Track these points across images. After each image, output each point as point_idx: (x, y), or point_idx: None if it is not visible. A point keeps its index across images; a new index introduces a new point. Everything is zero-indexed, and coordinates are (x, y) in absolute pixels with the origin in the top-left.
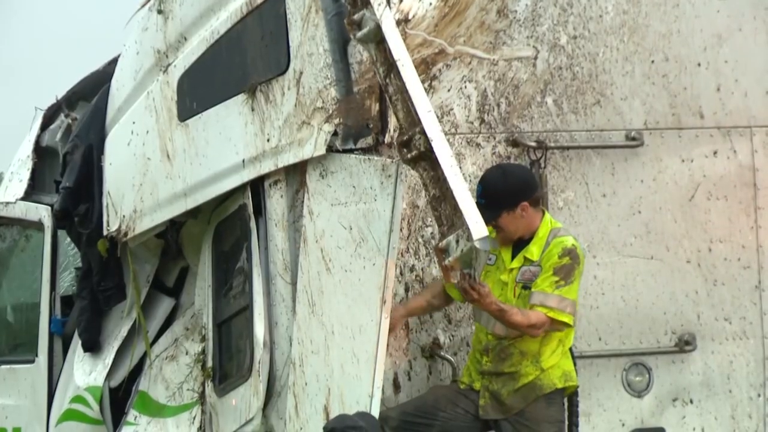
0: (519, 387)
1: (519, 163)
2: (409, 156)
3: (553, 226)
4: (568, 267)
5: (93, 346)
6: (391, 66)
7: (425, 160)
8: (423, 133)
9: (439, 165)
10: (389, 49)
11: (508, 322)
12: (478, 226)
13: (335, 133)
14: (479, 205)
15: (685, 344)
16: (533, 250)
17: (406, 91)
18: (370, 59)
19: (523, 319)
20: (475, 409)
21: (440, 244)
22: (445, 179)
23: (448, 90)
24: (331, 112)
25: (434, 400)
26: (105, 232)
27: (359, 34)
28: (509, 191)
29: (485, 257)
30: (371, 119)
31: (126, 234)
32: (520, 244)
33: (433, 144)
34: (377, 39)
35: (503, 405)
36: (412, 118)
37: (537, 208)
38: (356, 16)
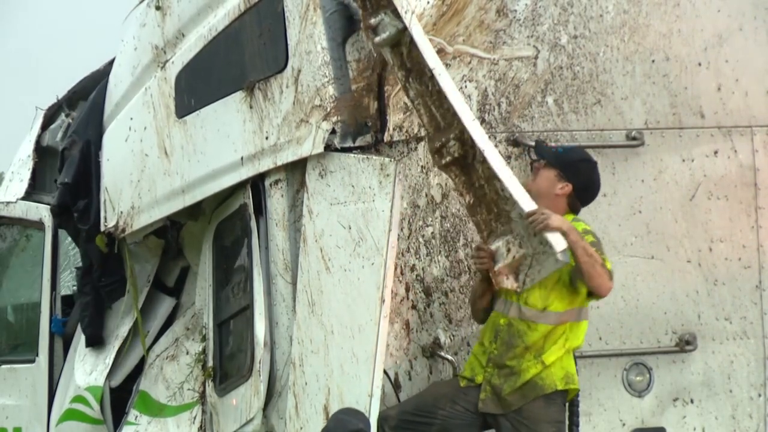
0: (520, 384)
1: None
2: (442, 162)
3: (573, 218)
4: (597, 244)
5: (97, 341)
6: (409, 71)
7: (458, 165)
8: (457, 139)
9: (497, 176)
10: (422, 56)
11: (584, 250)
12: (557, 239)
13: (333, 131)
14: (550, 147)
15: (685, 344)
16: None
17: (445, 97)
18: (389, 64)
19: (598, 255)
20: (474, 406)
21: (489, 249)
22: (482, 185)
23: None
24: (329, 110)
25: (434, 398)
26: (103, 228)
27: (377, 39)
28: (575, 167)
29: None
30: (370, 117)
31: (124, 230)
32: None
33: (486, 154)
34: (393, 43)
35: (503, 401)
36: (437, 123)
37: (570, 209)
38: (373, 21)
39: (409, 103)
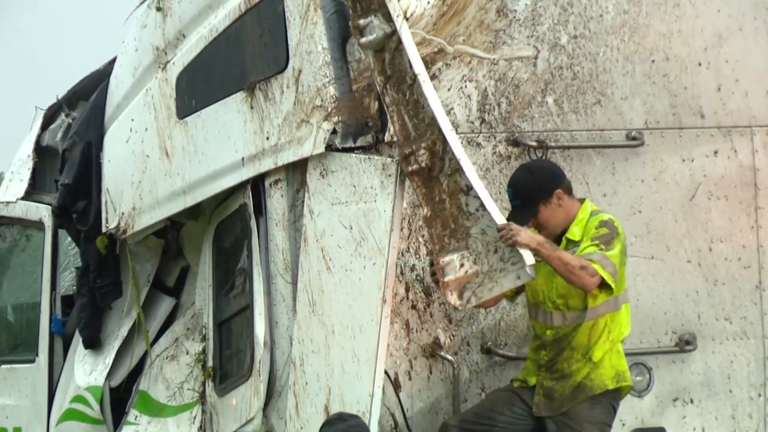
0: (572, 386)
1: (540, 158)
2: (408, 169)
3: (593, 208)
4: (606, 235)
5: (94, 343)
6: (388, 77)
7: (421, 176)
8: (428, 149)
9: (474, 191)
10: (405, 64)
11: (559, 260)
12: (527, 254)
13: (334, 132)
14: (515, 208)
15: (685, 344)
16: (574, 231)
17: (421, 107)
18: (369, 67)
19: (575, 260)
20: (530, 407)
21: (440, 261)
22: (443, 200)
23: (449, 89)
24: (330, 110)
25: (491, 404)
26: (104, 229)
27: (363, 40)
28: (539, 183)
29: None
30: (370, 117)
31: (125, 231)
32: (562, 236)
33: (462, 164)
34: (378, 48)
35: (555, 402)
36: (407, 132)
37: (572, 196)
38: (362, 22)
39: (373, 108)
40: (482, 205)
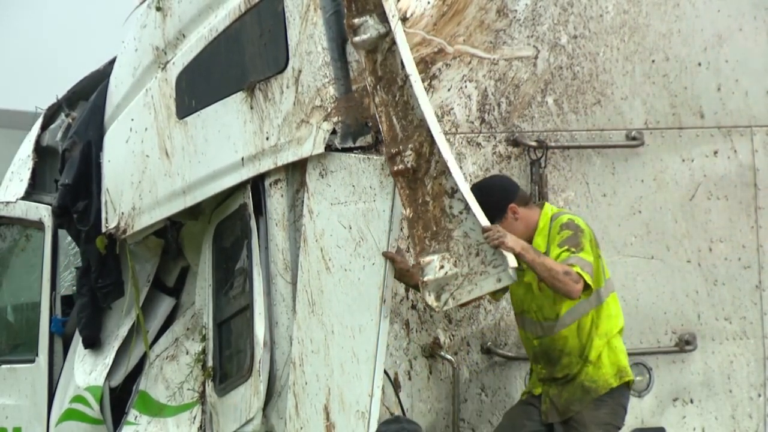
0: (575, 390)
1: (490, 175)
2: (393, 168)
3: (552, 212)
4: (572, 237)
5: (94, 343)
6: (379, 78)
7: (405, 177)
8: (415, 151)
9: (459, 194)
10: (397, 65)
11: (543, 266)
12: (510, 257)
13: (334, 132)
14: None
15: (685, 344)
16: (539, 242)
17: (411, 108)
18: (361, 66)
19: (558, 266)
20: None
21: (420, 262)
22: (426, 202)
23: (449, 89)
24: (329, 110)
25: (510, 421)
26: (104, 229)
27: (356, 39)
28: (491, 202)
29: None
30: (370, 117)
31: (125, 231)
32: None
33: (449, 165)
34: (371, 48)
35: (561, 407)
36: (395, 133)
37: (529, 206)
38: (356, 21)
39: (373, 108)
40: (467, 207)
